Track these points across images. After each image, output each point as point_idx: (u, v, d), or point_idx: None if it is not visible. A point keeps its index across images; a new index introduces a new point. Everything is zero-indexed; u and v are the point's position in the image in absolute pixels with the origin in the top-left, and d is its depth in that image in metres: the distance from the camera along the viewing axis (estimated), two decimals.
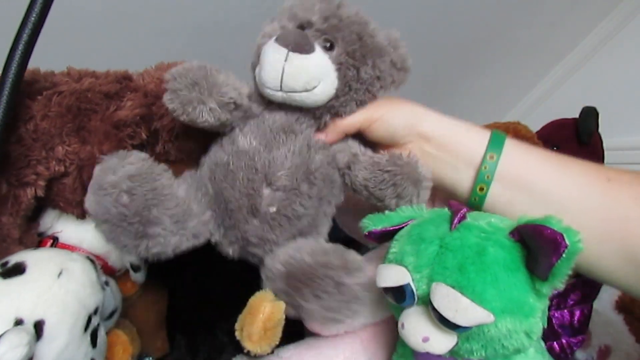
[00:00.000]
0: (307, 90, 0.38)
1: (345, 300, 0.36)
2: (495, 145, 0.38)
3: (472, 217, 0.32)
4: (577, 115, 0.70)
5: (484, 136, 0.39)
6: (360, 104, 0.42)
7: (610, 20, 1.04)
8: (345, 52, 0.39)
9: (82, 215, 0.44)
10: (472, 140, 0.39)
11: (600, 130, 0.71)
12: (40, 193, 0.41)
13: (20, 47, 0.34)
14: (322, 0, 0.41)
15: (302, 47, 0.36)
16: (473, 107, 1.21)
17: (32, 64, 0.36)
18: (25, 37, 0.34)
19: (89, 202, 0.37)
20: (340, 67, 0.39)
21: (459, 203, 0.34)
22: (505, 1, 0.94)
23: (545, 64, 1.17)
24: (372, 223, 0.36)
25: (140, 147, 0.45)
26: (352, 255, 0.39)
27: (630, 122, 0.95)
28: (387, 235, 0.36)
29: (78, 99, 0.42)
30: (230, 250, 0.41)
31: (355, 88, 0.40)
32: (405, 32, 0.41)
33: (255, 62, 0.41)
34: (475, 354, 0.30)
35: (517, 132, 0.54)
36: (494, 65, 1.13)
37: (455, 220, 0.31)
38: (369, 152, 0.42)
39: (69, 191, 0.42)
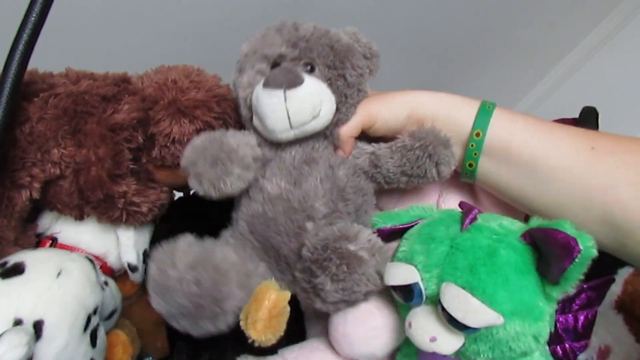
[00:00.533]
0: (315, 118, 0.39)
1: (353, 268, 0.35)
2: (482, 120, 0.39)
3: (483, 218, 0.32)
4: (577, 115, 0.70)
5: (473, 110, 0.39)
6: (358, 103, 0.43)
7: (610, 20, 1.04)
8: (326, 67, 0.41)
9: (80, 216, 0.44)
10: (463, 114, 0.40)
11: (600, 130, 0.71)
12: (36, 195, 0.41)
13: (20, 47, 0.34)
14: (278, 30, 0.43)
15: (294, 82, 0.37)
16: None
17: (32, 64, 0.36)
18: (25, 37, 0.34)
19: (159, 305, 0.36)
20: (329, 81, 0.40)
21: (470, 204, 0.34)
22: (505, 1, 0.94)
23: (545, 64, 1.17)
24: (382, 221, 0.36)
25: (137, 150, 0.45)
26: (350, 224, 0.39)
27: (630, 122, 0.95)
28: (395, 234, 0.36)
29: (75, 101, 0.41)
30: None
31: (350, 94, 0.42)
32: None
33: (248, 115, 0.42)
34: (482, 355, 0.29)
35: None
36: (494, 65, 1.13)
37: (467, 221, 0.31)
38: (383, 144, 0.43)
39: (66, 194, 0.42)
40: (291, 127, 0.38)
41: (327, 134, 0.42)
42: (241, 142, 0.40)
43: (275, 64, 0.42)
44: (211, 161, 0.38)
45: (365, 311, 0.36)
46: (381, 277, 0.36)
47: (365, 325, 0.36)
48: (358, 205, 0.42)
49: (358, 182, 0.42)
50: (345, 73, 0.41)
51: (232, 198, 0.42)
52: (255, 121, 0.41)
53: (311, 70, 0.41)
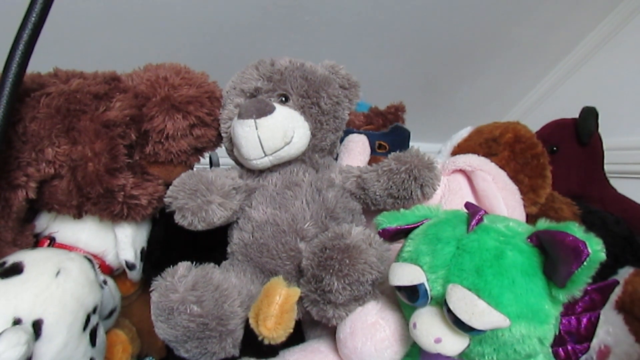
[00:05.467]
0: (287, 144, 0.40)
1: (354, 258, 0.35)
2: None
3: (489, 220, 0.32)
4: (577, 115, 0.70)
5: None
6: (335, 131, 0.46)
7: (610, 20, 1.04)
8: (300, 96, 0.43)
9: (78, 215, 0.44)
10: None
11: (600, 130, 0.71)
12: (32, 195, 0.41)
13: (20, 47, 0.34)
14: (256, 67, 0.45)
15: (264, 110, 0.39)
16: (473, 107, 1.21)
17: (32, 64, 0.36)
18: (25, 37, 0.34)
19: (164, 331, 0.36)
20: (303, 110, 0.42)
21: (476, 205, 0.34)
22: (505, 1, 0.94)
23: (545, 64, 1.17)
24: (387, 220, 0.36)
25: (130, 148, 0.45)
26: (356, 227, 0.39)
27: (630, 122, 0.95)
28: (400, 234, 0.36)
29: (67, 100, 0.41)
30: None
31: (324, 120, 0.44)
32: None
33: (230, 147, 0.45)
34: (486, 357, 0.29)
35: (517, 132, 0.54)
36: (494, 66, 1.13)
37: (473, 222, 0.31)
38: (369, 167, 0.45)
39: (62, 193, 0.42)
40: (265, 153, 0.40)
41: (305, 159, 0.44)
42: (220, 174, 0.42)
43: (252, 97, 0.44)
44: (190, 193, 0.39)
45: (371, 324, 0.36)
46: (382, 263, 0.36)
47: (374, 338, 0.36)
48: (349, 222, 0.43)
49: (347, 202, 0.44)
50: (320, 101, 0.43)
51: (221, 228, 0.43)
52: (235, 152, 0.43)
53: (285, 100, 0.43)
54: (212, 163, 0.70)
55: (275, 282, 0.37)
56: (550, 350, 0.34)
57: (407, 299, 0.32)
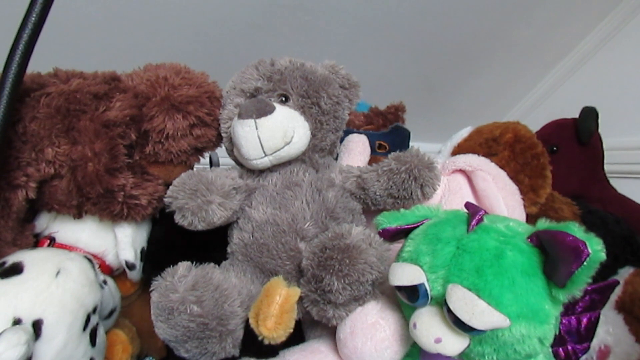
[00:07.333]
0: (287, 144, 0.40)
1: (354, 259, 0.35)
2: None
3: (489, 220, 0.32)
4: (577, 115, 0.70)
5: None
6: (335, 131, 0.46)
7: (610, 20, 1.04)
8: (300, 96, 0.43)
9: (78, 214, 0.44)
10: None
11: (600, 130, 0.71)
12: (32, 195, 0.41)
13: (20, 47, 0.34)
14: (256, 67, 0.45)
15: (264, 110, 0.39)
16: (473, 107, 1.21)
17: (32, 64, 0.36)
18: (25, 37, 0.34)
19: (164, 331, 0.36)
20: (303, 109, 0.42)
21: (476, 205, 0.34)
22: (505, 1, 0.94)
23: (545, 64, 1.17)
24: (387, 220, 0.36)
25: (129, 148, 0.45)
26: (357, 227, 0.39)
27: (630, 122, 0.94)
28: (400, 234, 0.36)
29: (67, 99, 0.41)
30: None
31: (324, 120, 0.44)
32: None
33: (230, 147, 0.45)
34: (486, 357, 0.29)
35: (517, 132, 0.54)
36: (494, 66, 1.13)
37: (473, 222, 0.31)
38: (369, 167, 0.45)
39: (62, 193, 0.42)
40: (265, 153, 0.40)
41: (305, 159, 0.44)
42: (220, 174, 0.42)
43: (252, 97, 0.44)
44: (190, 193, 0.39)
45: (371, 324, 0.36)
46: (382, 263, 0.36)
47: (374, 338, 0.36)
48: (349, 222, 0.43)
49: (347, 202, 0.44)
50: (320, 101, 0.43)
51: (221, 228, 0.43)
52: (235, 151, 0.43)
53: (285, 100, 0.43)
54: (212, 163, 0.70)
55: (275, 282, 0.37)
56: (550, 350, 0.34)
57: (407, 299, 0.32)
